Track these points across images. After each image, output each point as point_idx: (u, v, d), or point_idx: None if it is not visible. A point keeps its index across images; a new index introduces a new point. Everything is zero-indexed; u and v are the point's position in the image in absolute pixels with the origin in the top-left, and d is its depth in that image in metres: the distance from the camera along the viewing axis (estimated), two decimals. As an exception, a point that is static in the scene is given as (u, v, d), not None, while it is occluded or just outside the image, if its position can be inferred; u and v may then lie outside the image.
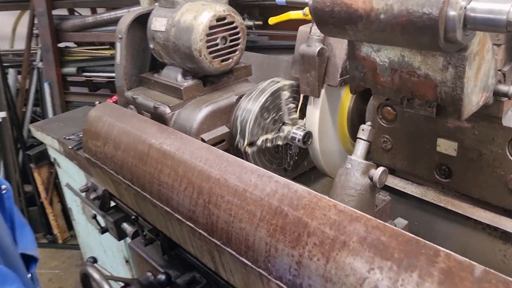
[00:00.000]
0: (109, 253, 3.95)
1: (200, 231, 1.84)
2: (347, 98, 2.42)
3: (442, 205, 2.15)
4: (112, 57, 6.10)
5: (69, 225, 6.11)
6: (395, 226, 1.96)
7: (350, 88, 1.91)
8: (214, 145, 2.30)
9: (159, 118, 2.34)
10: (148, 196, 2.14)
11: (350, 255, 1.32)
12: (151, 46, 2.48)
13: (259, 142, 2.25)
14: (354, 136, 2.50)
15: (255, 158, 2.28)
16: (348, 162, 1.70)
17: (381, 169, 1.67)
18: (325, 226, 1.41)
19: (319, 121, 2.29)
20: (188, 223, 1.90)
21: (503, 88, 1.68)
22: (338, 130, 2.43)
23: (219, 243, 1.75)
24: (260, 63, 3.32)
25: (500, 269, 2.10)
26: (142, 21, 2.57)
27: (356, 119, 2.47)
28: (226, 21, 2.31)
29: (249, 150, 2.25)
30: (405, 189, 2.27)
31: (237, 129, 2.28)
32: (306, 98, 2.34)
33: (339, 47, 2.16)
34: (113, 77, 6.41)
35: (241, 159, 1.78)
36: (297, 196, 1.51)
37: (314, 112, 2.28)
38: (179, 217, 1.95)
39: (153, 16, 2.44)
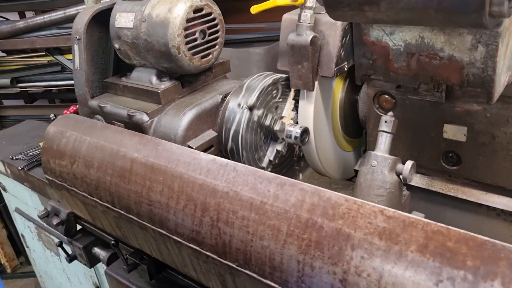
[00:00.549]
0: (74, 281, 3.58)
1: (207, 253, 1.61)
2: (338, 88, 2.26)
3: (451, 194, 2.04)
4: (50, 64, 5.61)
5: (17, 252, 5.57)
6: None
7: (356, 77, 1.74)
8: (202, 152, 2.06)
9: (135, 127, 2.07)
10: (135, 218, 1.87)
11: (411, 267, 1.15)
12: (116, 46, 2.19)
13: (259, 112, 2.02)
14: (346, 130, 2.34)
15: (248, 130, 2.04)
16: (373, 158, 1.53)
17: (409, 163, 1.52)
18: (373, 236, 1.23)
19: (314, 116, 2.11)
20: (190, 245, 1.66)
21: (523, 66, 1.57)
22: (332, 123, 2.27)
23: (234, 265, 1.53)
24: (229, 57, 3.08)
25: (519, 255, 2.04)
26: (101, 18, 2.27)
27: (348, 110, 2.32)
28: (203, 12, 2.07)
29: (247, 114, 2.01)
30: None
31: (227, 131, 2.05)
32: (297, 93, 2.16)
33: (332, 34, 1.99)
34: (51, 86, 5.92)
35: (252, 167, 1.56)
36: (331, 204, 1.32)
37: (308, 107, 2.10)
38: (178, 239, 1.71)
39: (116, 12, 2.15)
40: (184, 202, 1.67)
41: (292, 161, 2.34)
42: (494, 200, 1.95)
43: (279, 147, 2.13)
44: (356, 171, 2.31)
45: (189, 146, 2.02)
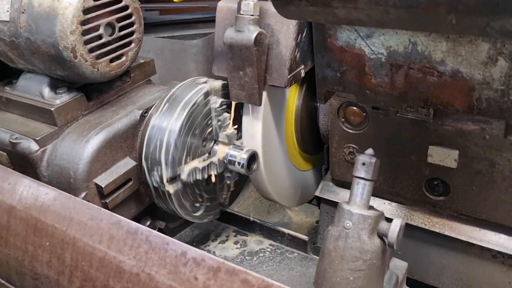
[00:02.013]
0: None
1: None
2: (293, 96, 1.78)
3: (435, 229, 1.63)
4: None
5: None
6: (394, 275, 1.40)
7: (318, 94, 1.27)
8: (117, 189, 1.54)
9: (21, 159, 1.52)
10: (17, 292, 1.35)
11: None
12: (-7, 45, 1.60)
13: (184, 176, 1.53)
14: (304, 146, 1.88)
15: (180, 199, 1.57)
16: (346, 217, 1.07)
17: (397, 223, 1.07)
18: None
19: (263, 136, 1.62)
20: None
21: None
22: (286, 141, 1.79)
23: None
24: (159, 50, 2.53)
25: (520, 307, 1.67)
26: (-26, 6, 1.66)
27: (305, 123, 1.85)
28: (109, -1, 1.52)
29: (171, 188, 1.53)
30: (383, 211, 1.72)
31: (148, 159, 1.53)
32: (238, 106, 1.66)
33: (284, 29, 1.49)
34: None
35: (171, 239, 1.06)
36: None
37: (255, 125, 1.61)
38: (74, 330, 1.20)
39: (-11, -1, 1.55)
40: (80, 282, 1.17)
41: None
42: (489, 239, 1.56)
43: (214, 159, 1.63)
44: (318, 199, 1.86)
45: (97, 185, 1.49)
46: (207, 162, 1.60)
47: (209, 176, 1.61)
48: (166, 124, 1.52)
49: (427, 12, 0.80)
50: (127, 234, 1.11)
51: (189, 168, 1.55)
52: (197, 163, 1.58)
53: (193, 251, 1.02)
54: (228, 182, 1.66)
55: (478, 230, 1.58)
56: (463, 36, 0.96)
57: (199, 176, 1.57)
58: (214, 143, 1.63)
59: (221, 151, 1.62)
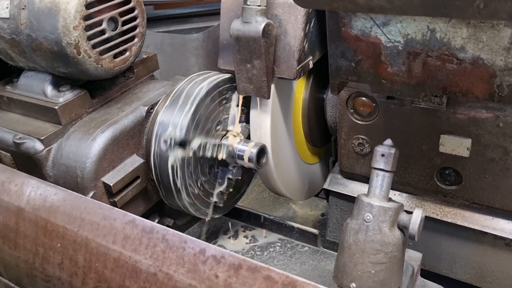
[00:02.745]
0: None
1: None
2: (300, 88, 1.75)
3: (448, 219, 1.62)
4: None
5: None
6: (410, 266, 1.39)
7: (331, 85, 1.24)
8: (125, 187, 1.51)
9: (26, 160, 1.48)
10: (28, 295, 1.32)
11: None
12: (-7, 43, 1.56)
13: (194, 144, 1.48)
14: (311, 138, 1.86)
15: (184, 168, 1.50)
16: (366, 210, 1.05)
17: (418, 214, 1.05)
18: None
19: (271, 130, 1.59)
20: None
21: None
22: (294, 134, 1.77)
23: None
24: (159, 45, 2.50)
25: (534, 294, 1.66)
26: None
27: (313, 115, 1.82)
28: (112, -7, 1.48)
29: (179, 153, 1.48)
30: (394, 202, 1.70)
31: (157, 156, 1.50)
32: (247, 99, 1.63)
33: (292, 19, 1.46)
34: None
35: (187, 236, 1.04)
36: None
37: (264, 118, 1.58)
38: (88, 331, 1.18)
39: (-13, -5, 1.51)
40: (94, 283, 1.14)
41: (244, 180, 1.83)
42: (503, 227, 1.55)
43: (230, 174, 1.61)
44: (327, 192, 1.84)
45: (105, 184, 1.46)
46: (218, 143, 1.57)
47: (215, 159, 1.58)
48: (175, 119, 1.48)
49: (453, -3, 0.77)
50: (143, 233, 1.09)
51: (201, 141, 1.51)
52: (218, 187, 1.59)
53: (212, 249, 1.00)
54: (230, 176, 1.62)
55: (491, 219, 1.57)
56: (484, 21, 0.94)
57: (208, 153, 1.53)
58: (226, 133, 1.60)
59: (231, 140, 1.59)
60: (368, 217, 1.05)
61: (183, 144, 1.45)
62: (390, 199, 1.12)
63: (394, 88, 1.13)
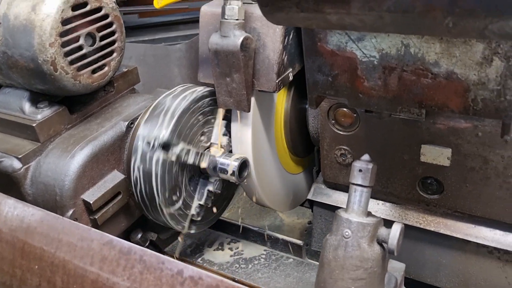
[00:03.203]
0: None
1: None
2: (281, 99, 1.75)
3: (431, 228, 1.62)
4: None
5: None
6: (393, 278, 1.38)
7: (309, 100, 1.24)
8: (106, 204, 1.49)
9: (4, 178, 1.46)
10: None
11: None
12: (-32, 59, 1.54)
13: (177, 149, 1.47)
14: (294, 149, 1.86)
15: (165, 173, 1.48)
16: (344, 226, 1.05)
17: (397, 228, 1.05)
18: None
19: (253, 142, 1.59)
20: None
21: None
22: (276, 145, 1.77)
23: None
24: (142, 56, 2.48)
25: (517, 301, 1.66)
26: None
27: (295, 126, 1.82)
28: (88, 8, 1.46)
29: (161, 155, 1.46)
30: (376, 213, 1.70)
31: (137, 170, 1.49)
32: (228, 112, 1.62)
33: (271, 33, 1.46)
34: None
35: (164, 256, 1.03)
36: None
37: (245, 131, 1.58)
38: None
39: (-38, 12, 1.49)
40: (72, 306, 1.12)
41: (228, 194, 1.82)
42: (485, 235, 1.56)
43: (210, 187, 1.60)
44: (311, 202, 1.84)
45: (85, 202, 1.44)
46: (201, 151, 1.56)
47: (197, 168, 1.57)
48: (156, 133, 1.47)
49: (423, 17, 0.78)
50: (120, 254, 1.07)
51: (184, 146, 1.50)
52: (197, 201, 1.58)
53: (190, 270, 0.99)
54: (210, 189, 1.61)
55: (473, 227, 1.58)
56: (469, 37, 0.94)
57: (190, 160, 1.52)
58: (209, 146, 1.59)
59: (214, 152, 1.58)
60: (347, 233, 1.05)
61: (166, 146, 1.44)
62: (369, 214, 1.12)
63: (371, 102, 1.13)
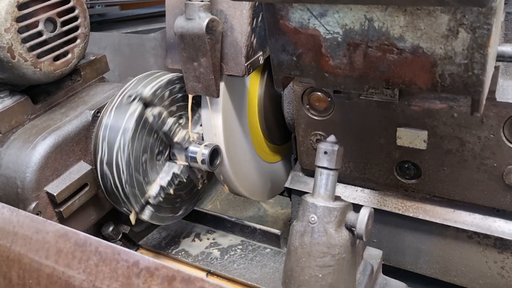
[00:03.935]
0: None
1: None
2: (254, 84, 1.70)
3: (409, 214, 1.58)
4: None
5: None
6: (368, 265, 1.34)
7: (275, 81, 1.18)
8: (71, 196, 1.44)
9: (-38, 171, 1.40)
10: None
11: None
12: None
13: (153, 200, 1.46)
14: (270, 136, 1.81)
15: (159, 216, 1.56)
16: (310, 211, 1.00)
17: (365, 212, 1.00)
18: None
19: (224, 129, 1.54)
20: None
21: (508, 49, 1.08)
22: (250, 133, 1.71)
23: None
24: (116, 46, 2.41)
25: (498, 285, 1.63)
26: None
27: (270, 112, 1.77)
28: (47, -7, 1.40)
29: (146, 216, 1.49)
30: (355, 200, 1.66)
31: (103, 162, 1.43)
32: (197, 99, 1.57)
33: (237, 14, 1.41)
34: None
35: (120, 247, 0.97)
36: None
37: (216, 118, 1.52)
38: None
39: None
40: (28, 301, 1.07)
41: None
42: (464, 220, 1.51)
43: (176, 169, 1.53)
44: (289, 190, 1.79)
45: (49, 194, 1.38)
46: (170, 176, 1.51)
47: (179, 183, 1.54)
48: (120, 123, 1.41)
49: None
50: (75, 246, 1.02)
51: (155, 191, 1.47)
52: (160, 180, 1.50)
53: (146, 260, 0.94)
54: (176, 172, 1.53)
55: (453, 212, 1.53)
56: (420, 8, 0.89)
57: (165, 126, 1.46)
58: (170, 148, 1.53)
59: (180, 158, 1.53)
60: (313, 219, 1.00)
61: (147, 103, 1.39)
62: (337, 198, 1.07)
63: (337, 82, 1.08)
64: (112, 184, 1.42)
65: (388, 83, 1.02)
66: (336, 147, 1.04)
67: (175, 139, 1.50)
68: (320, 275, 1.00)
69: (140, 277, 0.93)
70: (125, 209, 1.47)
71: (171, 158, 1.54)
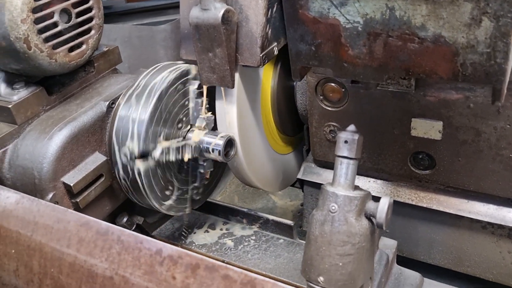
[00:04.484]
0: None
1: None
2: (268, 76, 1.70)
3: (423, 204, 1.58)
4: None
5: None
6: (384, 255, 1.35)
7: (292, 71, 1.19)
8: (87, 187, 1.45)
9: (-20, 162, 1.41)
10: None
11: None
12: None
13: (156, 153, 1.43)
14: (282, 128, 1.81)
15: (151, 181, 1.46)
16: (331, 200, 1.00)
17: (385, 201, 1.00)
18: None
19: (238, 120, 1.54)
20: None
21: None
22: (263, 124, 1.72)
23: None
24: (126, 38, 2.42)
25: (512, 276, 1.62)
26: None
27: (283, 103, 1.77)
28: (62, -16, 1.40)
29: (141, 165, 1.43)
30: (368, 190, 1.66)
31: (119, 135, 1.43)
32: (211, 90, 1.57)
33: (253, 4, 1.40)
34: None
35: (143, 236, 0.98)
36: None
37: (230, 109, 1.52)
38: None
39: None
40: (50, 290, 1.08)
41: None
42: (478, 210, 1.52)
43: (201, 169, 1.55)
44: (301, 182, 1.80)
45: (65, 184, 1.39)
46: (182, 143, 1.51)
47: (182, 159, 1.52)
48: (135, 114, 1.42)
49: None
50: (97, 235, 1.03)
51: (162, 147, 1.46)
52: (171, 143, 1.49)
53: (169, 249, 0.95)
54: (201, 171, 1.57)
55: (467, 202, 1.54)
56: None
57: (172, 157, 1.48)
58: (190, 128, 1.54)
59: (196, 136, 1.53)
60: (333, 208, 1.00)
61: (144, 155, 1.40)
62: (356, 187, 1.08)
63: (356, 72, 1.08)
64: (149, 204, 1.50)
65: (408, 73, 1.03)
66: (356, 136, 1.04)
67: (186, 158, 1.51)
68: (341, 264, 1.01)
69: (163, 265, 0.94)
70: (126, 149, 1.42)
71: (186, 138, 1.54)
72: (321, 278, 1.03)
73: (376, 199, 1.29)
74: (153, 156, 1.43)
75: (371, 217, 1.04)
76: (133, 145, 1.40)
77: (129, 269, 0.97)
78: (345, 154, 1.03)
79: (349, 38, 1.04)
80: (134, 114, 1.42)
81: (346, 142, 1.03)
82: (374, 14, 0.98)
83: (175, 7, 3.54)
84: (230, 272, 0.87)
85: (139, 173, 1.41)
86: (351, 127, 1.06)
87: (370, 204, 1.04)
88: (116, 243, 1.00)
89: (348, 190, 1.02)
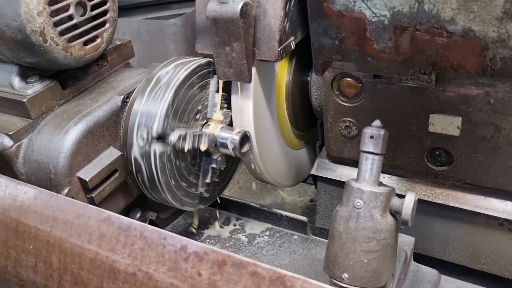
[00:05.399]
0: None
1: None
2: (283, 70, 1.68)
3: (439, 201, 1.57)
4: None
5: None
6: (403, 251, 1.34)
7: (314, 65, 1.17)
8: (102, 182, 1.44)
9: (-6, 156, 1.39)
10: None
11: None
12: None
13: (173, 137, 1.41)
14: (296, 123, 1.79)
15: (165, 165, 1.44)
16: (356, 196, 0.99)
17: (411, 198, 0.99)
18: None
19: (254, 115, 1.52)
20: None
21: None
22: (278, 119, 1.70)
23: None
24: (136, 32, 2.40)
25: (530, 274, 1.61)
26: None
27: (297, 98, 1.76)
28: (78, -24, 1.38)
29: (157, 147, 1.40)
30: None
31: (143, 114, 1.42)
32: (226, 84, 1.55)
33: (271, -2, 1.38)
34: None
35: (167, 232, 0.97)
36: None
37: (246, 104, 1.51)
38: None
39: None
40: (70, 286, 1.07)
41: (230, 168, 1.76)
42: (496, 207, 1.51)
43: (214, 164, 1.54)
44: (315, 177, 1.78)
45: (81, 179, 1.38)
46: (198, 133, 1.49)
47: (196, 150, 1.51)
48: (151, 107, 1.40)
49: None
50: (119, 230, 1.02)
51: (179, 133, 1.44)
52: (188, 131, 1.48)
53: (194, 245, 0.94)
54: (214, 166, 1.55)
55: (484, 199, 1.53)
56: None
57: (188, 145, 1.46)
58: (206, 122, 1.53)
59: (212, 129, 1.51)
60: (358, 204, 0.99)
61: (161, 137, 1.38)
62: (381, 183, 1.06)
63: (380, 66, 1.07)
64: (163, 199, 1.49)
65: (435, 67, 1.01)
66: (382, 132, 1.03)
67: (202, 148, 1.51)
68: (365, 260, 1.00)
69: (188, 262, 0.92)
70: (143, 129, 1.41)
71: (204, 154, 1.55)
72: (345, 275, 1.02)
73: (399, 196, 1.28)
74: (170, 140, 1.41)
75: (396, 214, 1.03)
76: (152, 126, 1.38)
77: (152, 265, 0.96)
78: (370, 150, 1.02)
79: (374, 32, 1.03)
80: (152, 106, 1.40)
81: (371, 137, 1.02)
82: (402, 7, 0.97)
83: (184, 1, 3.51)
84: (258, 269, 0.86)
85: (155, 155, 1.39)
86: (377, 122, 1.05)
87: (395, 201, 1.03)
88: (139, 239, 0.99)
89: (373, 186, 1.01)
